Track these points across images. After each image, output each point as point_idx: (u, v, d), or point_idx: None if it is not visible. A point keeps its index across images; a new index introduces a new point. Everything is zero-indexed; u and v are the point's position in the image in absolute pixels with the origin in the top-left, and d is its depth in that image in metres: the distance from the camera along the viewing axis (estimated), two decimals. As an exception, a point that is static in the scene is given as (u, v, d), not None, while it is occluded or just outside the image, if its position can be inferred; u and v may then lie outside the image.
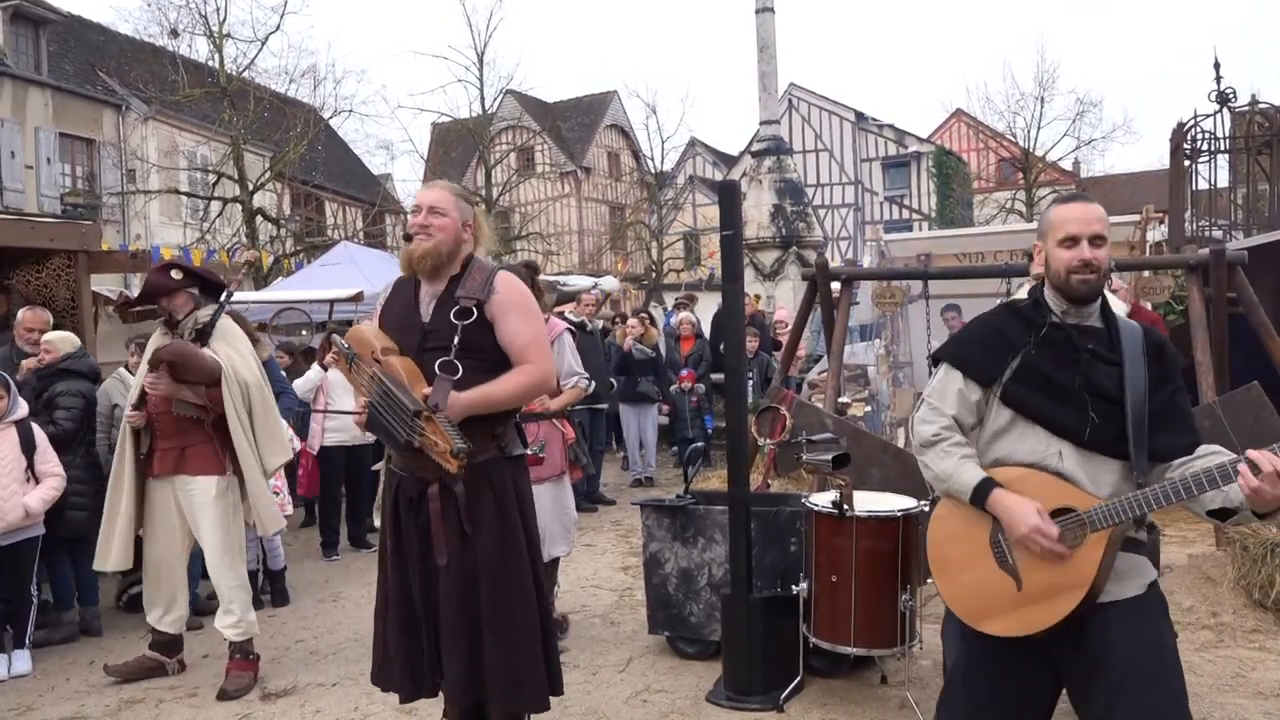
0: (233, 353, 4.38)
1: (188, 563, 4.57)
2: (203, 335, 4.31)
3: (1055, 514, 2.29)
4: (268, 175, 20.44)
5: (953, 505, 2.48)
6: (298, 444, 5.52)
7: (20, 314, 5.62)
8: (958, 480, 2.39)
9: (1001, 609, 2.34)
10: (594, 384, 5.14)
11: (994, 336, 2.46)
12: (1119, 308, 4.26)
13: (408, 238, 3.02)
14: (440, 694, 3.11)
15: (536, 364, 3.00)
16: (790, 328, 9.42)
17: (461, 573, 2.94)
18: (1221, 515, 2.24)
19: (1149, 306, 7.63)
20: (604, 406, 8.99)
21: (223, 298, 4.51)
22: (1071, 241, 2.33)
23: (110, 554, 4.38)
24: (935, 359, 2.60)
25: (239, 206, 19.52)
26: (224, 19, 19.99)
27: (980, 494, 2.35)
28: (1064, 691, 2.45)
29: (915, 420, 2.54)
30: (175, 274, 4.39)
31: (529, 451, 3.27)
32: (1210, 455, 2.25)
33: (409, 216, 3.11)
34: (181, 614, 4.53)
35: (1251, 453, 2.06)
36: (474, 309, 2.95)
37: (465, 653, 2.94)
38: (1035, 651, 2.35)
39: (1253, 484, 2.04)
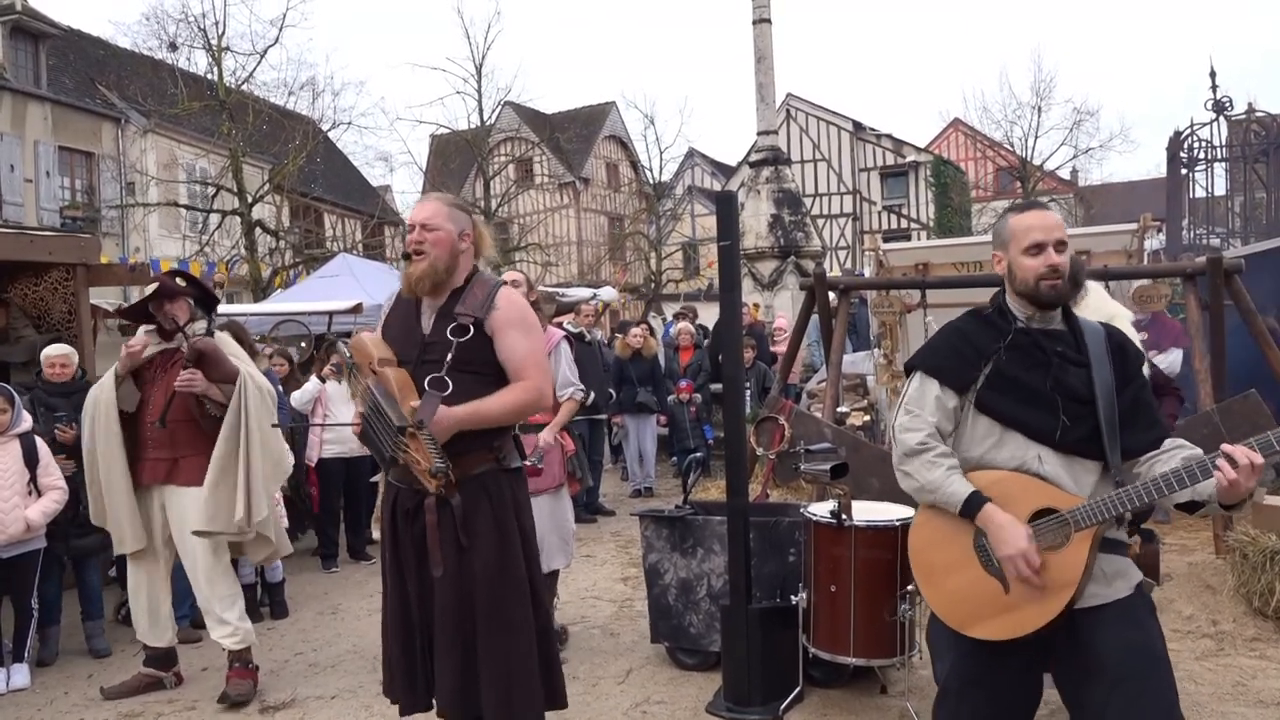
0: (240, 361, 4.40)
1: (171, 575, 4.52)
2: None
3: (1038, 515, 2.32)
4: (267, 187, 20.50)
5: (933, 511, 2.49)
6: (291, 459, 5.53)
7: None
8: (945, 492, 2.40)
9: (989, 613, 2.35)
10: (592, 395, 5.13)
11: (964, 343, 2.50)
12: (1124, 316, 4.28)
13: (407, 257, 3.03)
14: (434, 707, 3.09)
15: (532, 380, 3.00)
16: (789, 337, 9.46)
17: (457, 585, 2.94)
18: (1189, 508, 2.28)
19: (1168, 315, 7.65)
20: (604, 417, 9.00)
21: (214, 312, 4.55)
22: (1037, 249, 2.38)
23: (126, 537, 4.30)
24: (908, 368, 2.63)
25: (238, 219, 19.57)
26: (223, 32, 20.14)
27: (970, 507, 2.36)
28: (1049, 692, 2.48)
29: (896, 429, 2.55)
30: (180, 281, 4.43)
31: (528, 463, 3.28)
32: (1176, 450, 2.31)
33: (405, 234, 3.12)
34: (169, 627, 4.51)
35: (1227, 447, 2.12)
36: (471, 326, 2.95)
37: (459, 666, 2.94)
38: (1028, 654, 2.37)
39: (1231, 477, 2.09)
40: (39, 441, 4.88)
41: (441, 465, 2.73)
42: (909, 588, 3.50)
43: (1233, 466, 2.09)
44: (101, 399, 4.31)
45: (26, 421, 4.86)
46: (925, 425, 2.47)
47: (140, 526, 4.32)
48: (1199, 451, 2.23)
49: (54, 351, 5.49)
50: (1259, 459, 2.09)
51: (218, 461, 4.18)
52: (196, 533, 4.20)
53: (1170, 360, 7.59)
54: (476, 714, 2.97)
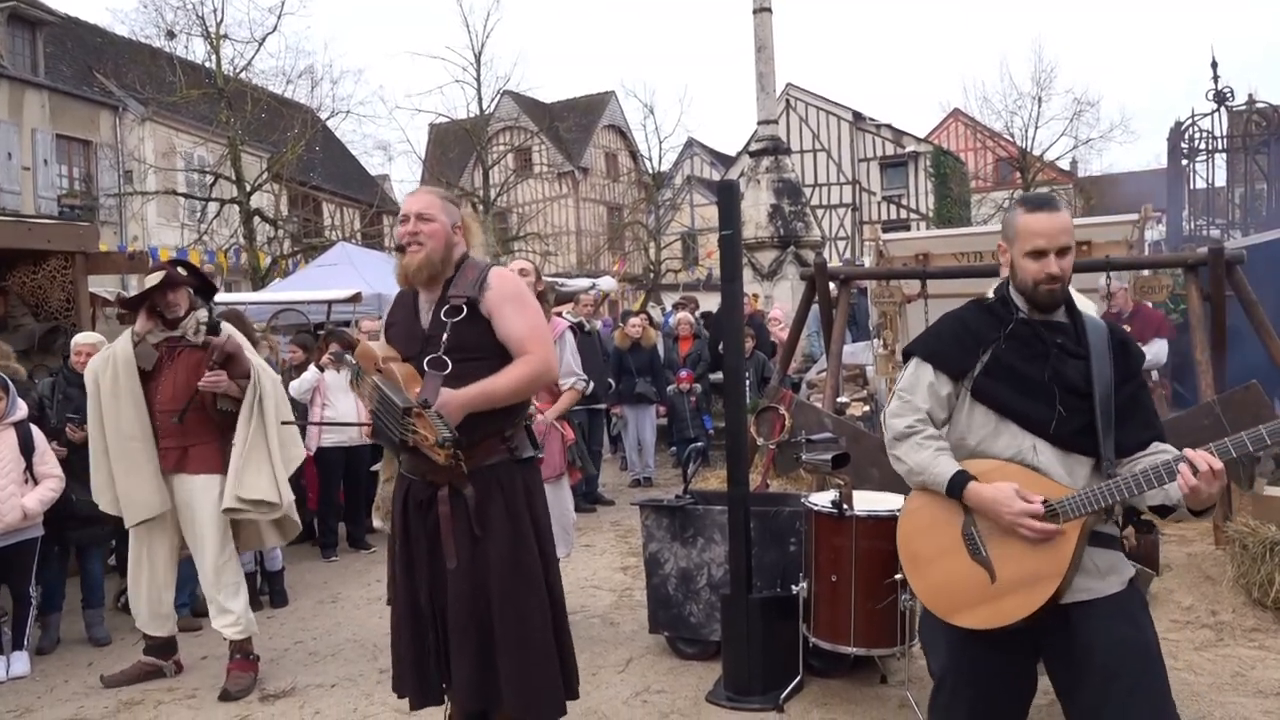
0: (247, 352, 4.40)
1: (177, 564, 4.51)
2: (214, 331, 4.31)
3: None
4: (265, 176, 20.48)
5: (923, 499, 2.49)
6: (302, 451, 5.54)
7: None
8: (932, 472, 2.41)
9: (974, 601, 2.35)
10: (592, 384, 5.13)
11: (963, 331, 2.50)
12: (1091, 309, 4.28)
13: (400, 249, 2.99)
14: (446, 700, 3.08)
15: (536, 353, 2.95)
16: (785, 326, 9.44)
17: (471, 576, 2.92)
18: (1161, 512, 2.29)
19: (1149, 305, 7.64)
20: (603, 407, 9.00)
21: (212, 300, 4.54)
22: (1039, 254, 2.37)
23: (142, 502, 4.23)
24: (906, 354, 2.63)
25: (236, 208, 19.55)
26: (221, 20, 20.09)
27: (956, 486, 2.36)
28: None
29: (887, 414, 2.57)
30: (180, 270, 4.42)
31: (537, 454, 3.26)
32: (1160, 453, 2.31)
33: (398, 226, 3.07)
34: (170, 616, 4.50)
35: (1189, 452, 2.12)
36: (464, 306, 2.92)
37: (474, 657, 2.91)
38: (1016, 646, 2.38)
39: (1190, 482, 2.10)
40: (34, 429, 4.86)
41: (449, 435, 2.68)
42: (897, 576, 3.47)
43: (1194, 472, 2.09)
44: (119, 354, 4.24)
45: (22, 409, 4.84)
46: (915, 410, 2.49)
47: (161, 489, 4.24)
48: (1175, 455, 2.22)
49: (83, 339, 5.45)
50: (1218, 464, 2.09)
51: (240, 446, 4.22)
52: (228, 510, 4.22)
53: (1155, 351, 7.60)
54: (492, 704, 2.94)
